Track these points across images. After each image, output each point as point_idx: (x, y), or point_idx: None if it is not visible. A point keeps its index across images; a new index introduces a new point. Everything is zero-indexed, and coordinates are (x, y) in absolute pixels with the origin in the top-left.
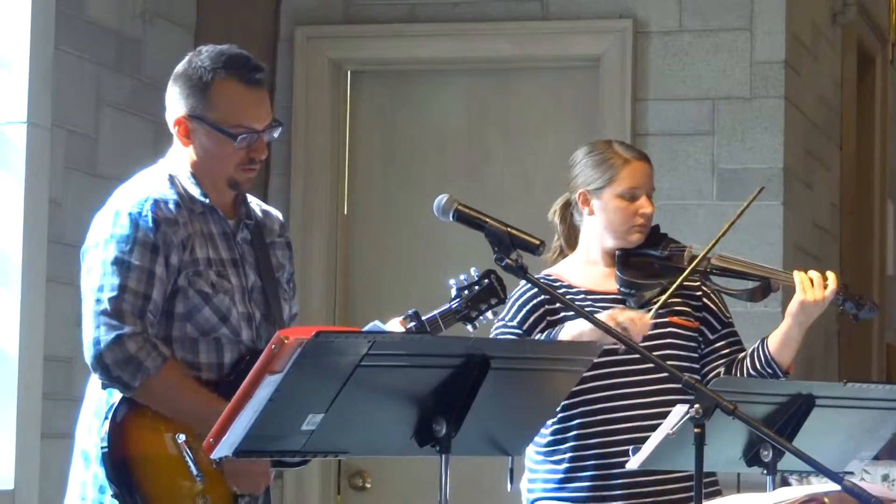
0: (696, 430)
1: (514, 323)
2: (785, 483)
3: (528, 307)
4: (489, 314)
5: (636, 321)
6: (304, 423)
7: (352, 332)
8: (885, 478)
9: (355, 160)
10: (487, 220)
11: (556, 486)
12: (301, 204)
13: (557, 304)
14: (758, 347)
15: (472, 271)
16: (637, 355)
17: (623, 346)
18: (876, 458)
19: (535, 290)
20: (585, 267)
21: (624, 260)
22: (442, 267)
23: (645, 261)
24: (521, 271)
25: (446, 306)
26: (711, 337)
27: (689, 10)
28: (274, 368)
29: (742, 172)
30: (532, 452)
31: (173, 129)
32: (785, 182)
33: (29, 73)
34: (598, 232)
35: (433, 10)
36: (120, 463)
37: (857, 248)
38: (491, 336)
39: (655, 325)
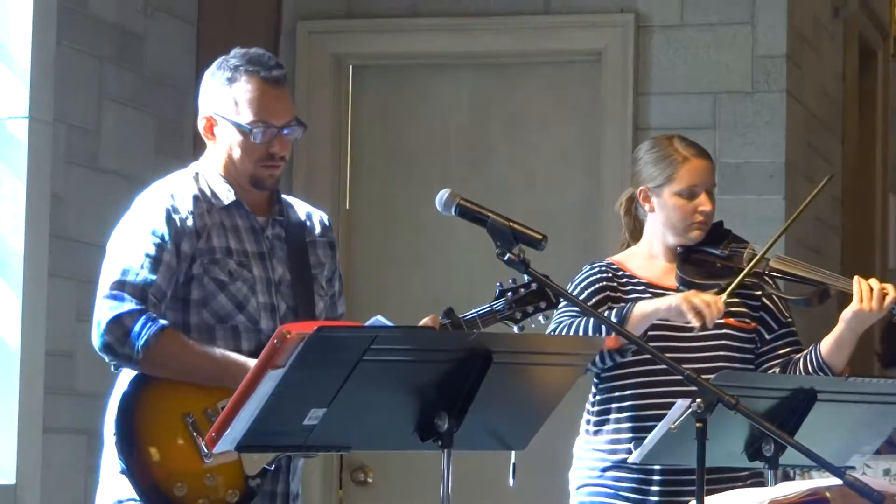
0: (697, 424)
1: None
2: (787, 477)
3: (589, 290)
4: (540, 317)
5: (711, 304)
6: (307, 417)
7: (354, 327)
8: (887, 472)
9: (357, 155)
10: (489, 214)
11: (601, 472)
12: (302, 199)
13: (620, 291)
14: (811, 351)
15: (525, 277)
16: (691, 341)
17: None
18: (877, 452)
19: (599, 274)
20: (647, 260)
21: (685, 257)
22: (444, 262)
23: (705, 259)
24: (522, 266)
25: (487, 307)
26: (768, 337)
27: (690, 4)
28: (276, 363)
29: (744, 167)
30: (582, 441)
31: (201, 128)
32: (786, 176)
33: (30, 67)
34: (658, 228)
35: (435, 4)
36: (128, 440)
37: (859, 241)
38: (554, 319)
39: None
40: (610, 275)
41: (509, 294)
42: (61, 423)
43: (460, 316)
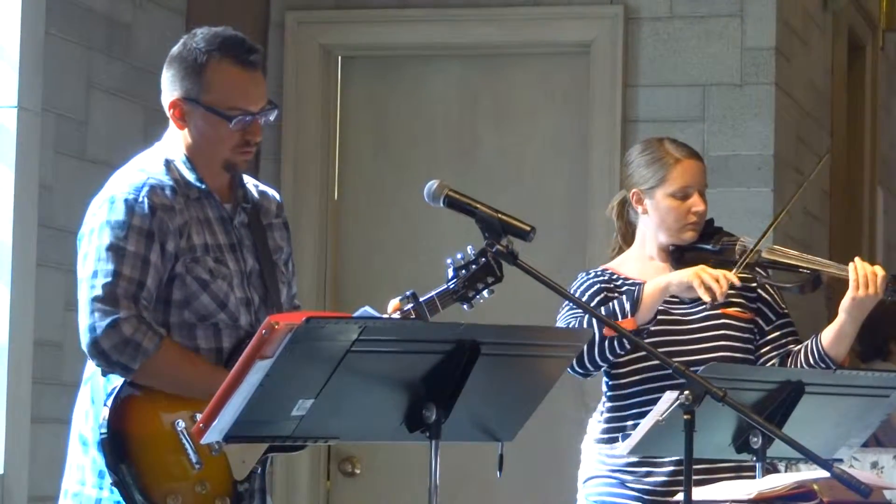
0: (685, 416)
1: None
2: (774, 470)
3: (589, 292)
4: (486, 293)
5: (720, 279)
6: (295, 408)
7: (342, 318)
8: (875, 465)
9: (346, 146)
10: (478, 205)
11: (608, 466)
12: (291, 189)
13: (617, 293)
14: (811, 342)
15: (469, 249)
16: (692, 333)
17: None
18: (865, 445)
19: (595, 278)
20: (641, 262)
21: (678, 255)
22: (432, 253)
23: (699, 256)
24: (511, 257)
25: (443, 287)
26: (766, 328)
27: None
28: (264, 354)
29: (732, 159)
30: (590, 440)
31: (168, 113)
32: (775, 168)
33: (19, 57)
34: (652, 230)
35: None
36: (118, 449)
37: (847, 234)
38: (558, 321)
39: (708, 317)
40: (605, 278)
41: (462, 272)
42: (49, 414)
43: (421, 299)
